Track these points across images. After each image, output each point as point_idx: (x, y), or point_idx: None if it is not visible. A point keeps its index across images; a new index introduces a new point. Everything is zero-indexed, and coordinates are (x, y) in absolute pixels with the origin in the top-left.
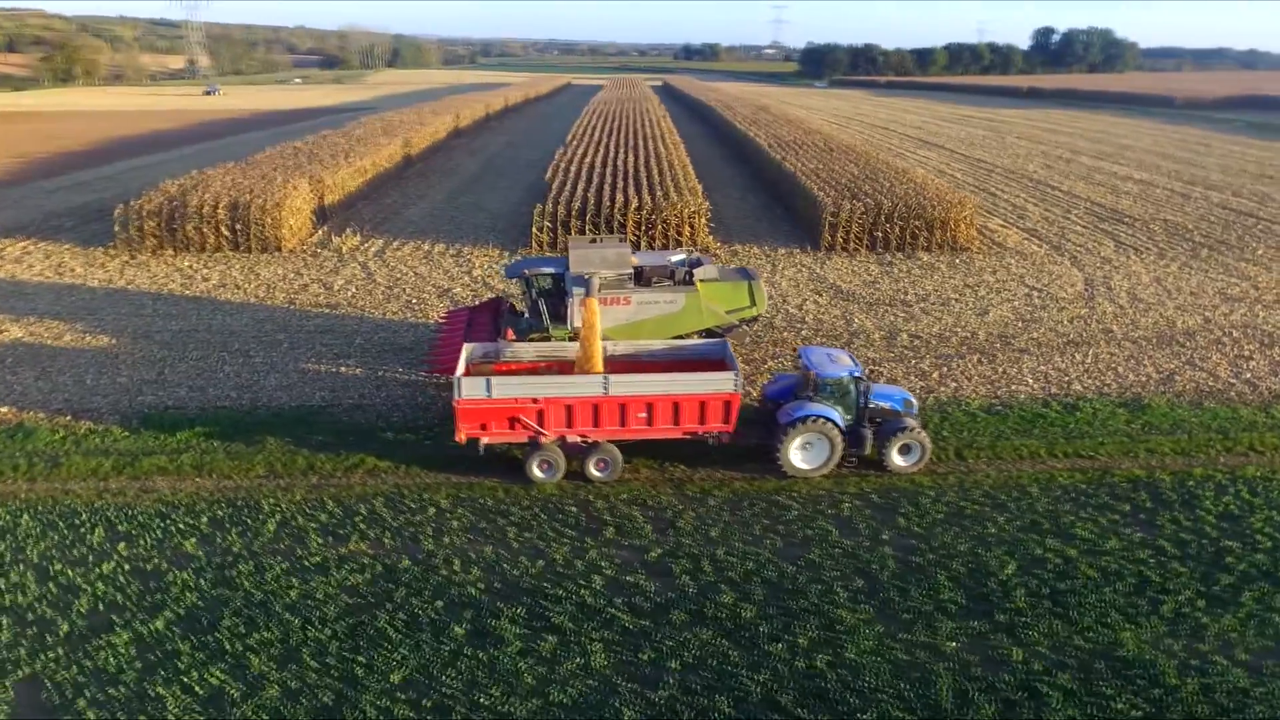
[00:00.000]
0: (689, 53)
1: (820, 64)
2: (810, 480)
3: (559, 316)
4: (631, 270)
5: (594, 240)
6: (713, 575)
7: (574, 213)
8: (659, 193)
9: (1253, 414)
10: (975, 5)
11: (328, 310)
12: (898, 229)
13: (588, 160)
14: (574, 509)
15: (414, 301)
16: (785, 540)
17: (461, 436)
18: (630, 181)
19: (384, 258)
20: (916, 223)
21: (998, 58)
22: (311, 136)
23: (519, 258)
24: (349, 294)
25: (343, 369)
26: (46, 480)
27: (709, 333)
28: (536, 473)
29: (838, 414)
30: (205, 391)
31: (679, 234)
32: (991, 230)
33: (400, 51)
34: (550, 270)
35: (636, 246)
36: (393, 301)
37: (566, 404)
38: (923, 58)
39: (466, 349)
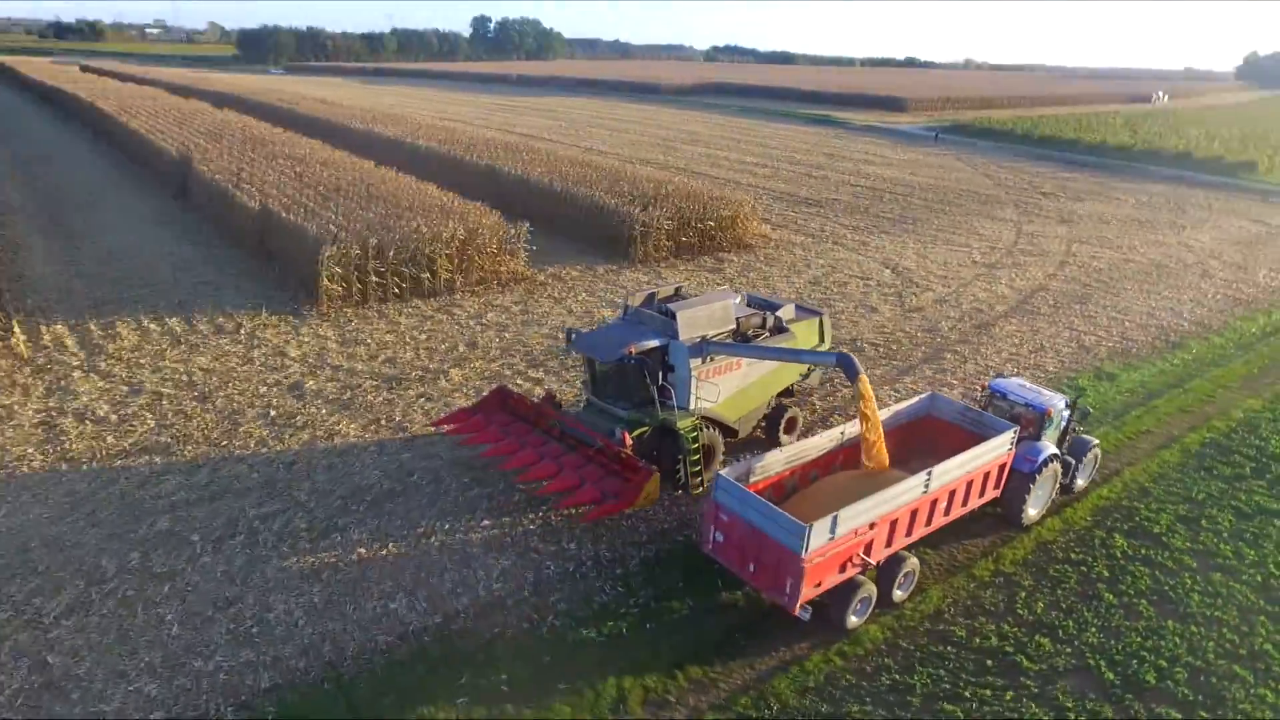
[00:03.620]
0: (61, 30)
1: (262, 47)
2: (1040, 524)
3: (672, 401)
4: (734, 325)
5: (671, 296)
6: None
7: (370, 251)
8: (453, 216)
9: (1222, 343)
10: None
11: (193, 460)
12: (696, 233)
13: (272, 178)
14: (951, 650)
15: (278, 418)
16: (1156, 608)
17: (799, 606)
18: (383, 205)
19: (119, 357)
20: (711, 224)
21: (445, 45)
22: None
23: (583, 327)
24: (181, 429)
25: (391, 548)
26: None
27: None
28: (854, 619)
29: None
30: (267, 650)
31: (497, 264)
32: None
33: None
34: (654, 343)
35: (451, 286)
36: (256, 424)
37: (893, 518)
38: (372, 43)
39: (727, 475)
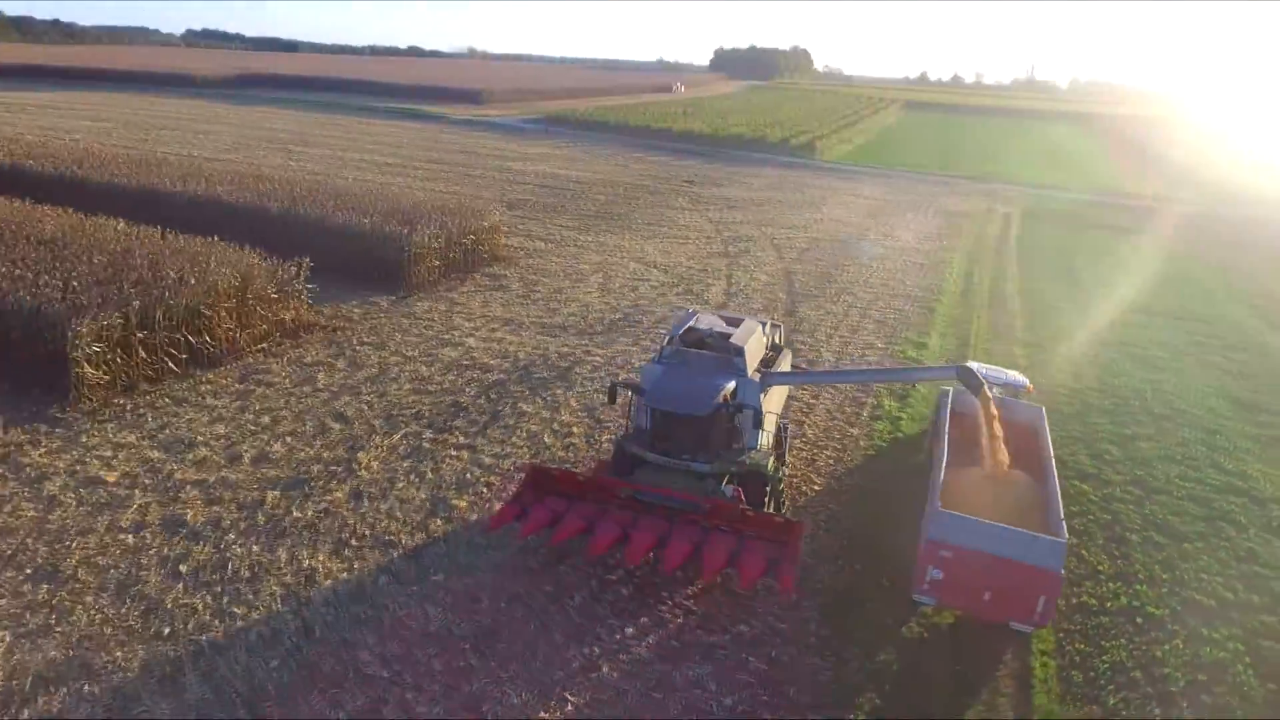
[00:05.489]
0: None
1: None
2: None
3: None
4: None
5: (689, 329)
6: None
7: (151, 320)
8: (211, 261)
9: (951, 303)
10: None
11: (146, 670)
12: (460, 250)
13: None
14: (1112, 620)
15: (201, 573)
16: (1202, 540)
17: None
18: (78, 250)
19: None
20: (472, 238)
21: None
22: None
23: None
24: (72, 630)
25: (570, 697)
26: None
27: None
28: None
29: None
30: None
31: (279, 312)
32: None
33: None
34: (731, 384)
35: (234, 349)
36: (180, 591)
37: None
38: None
39: (945, 509)
